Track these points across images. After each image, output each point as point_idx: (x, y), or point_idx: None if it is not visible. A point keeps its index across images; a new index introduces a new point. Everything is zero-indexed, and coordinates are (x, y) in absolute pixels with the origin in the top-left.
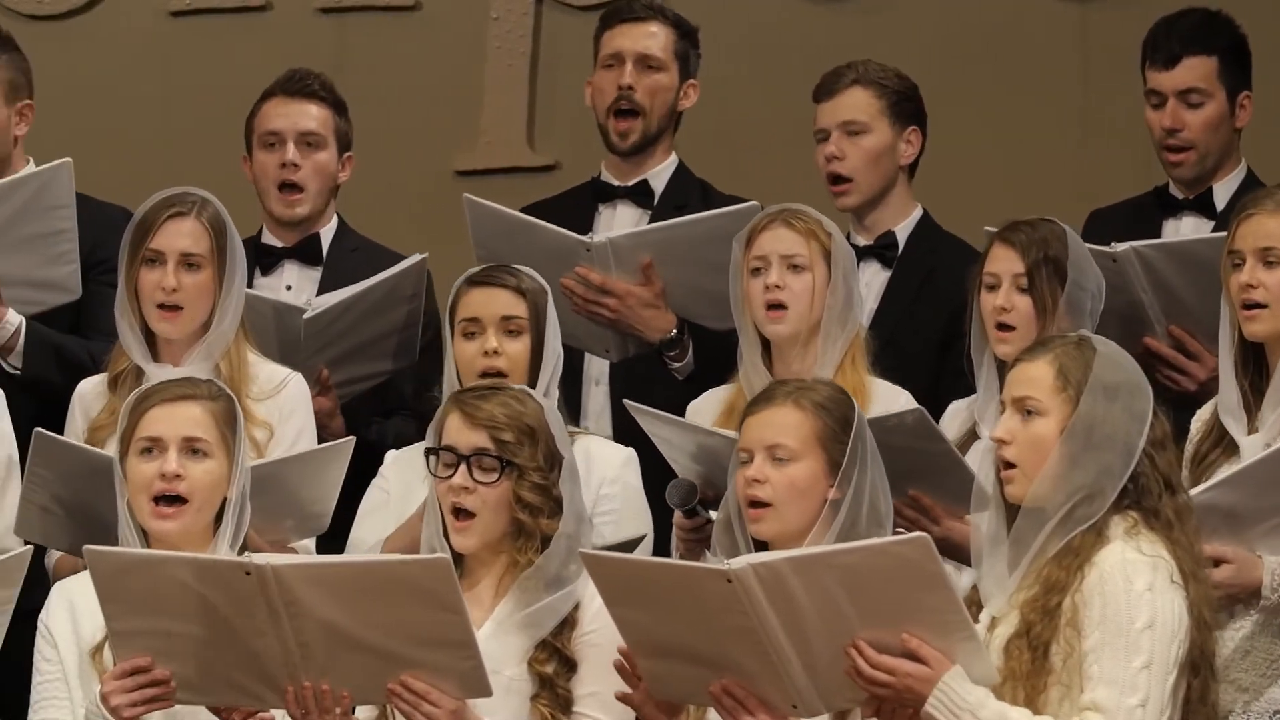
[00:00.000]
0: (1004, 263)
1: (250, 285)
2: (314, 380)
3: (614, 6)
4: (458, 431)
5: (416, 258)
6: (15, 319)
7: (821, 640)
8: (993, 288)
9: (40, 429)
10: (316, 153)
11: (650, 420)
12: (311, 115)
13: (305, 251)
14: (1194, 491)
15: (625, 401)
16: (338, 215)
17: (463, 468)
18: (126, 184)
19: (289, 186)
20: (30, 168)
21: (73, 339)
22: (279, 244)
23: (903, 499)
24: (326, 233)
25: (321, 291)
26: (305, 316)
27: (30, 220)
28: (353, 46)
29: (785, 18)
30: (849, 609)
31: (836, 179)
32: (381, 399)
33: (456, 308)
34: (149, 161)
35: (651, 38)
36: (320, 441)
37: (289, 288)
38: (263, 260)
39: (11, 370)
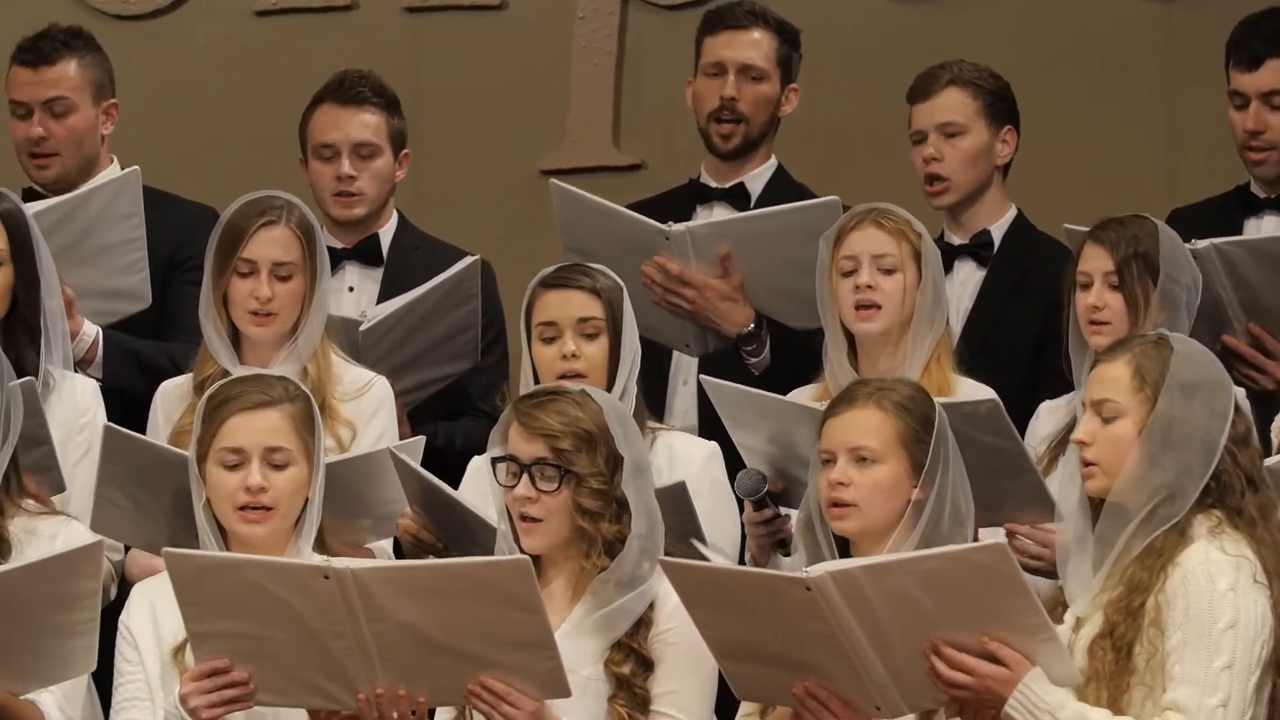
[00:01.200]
0: (1095, 261)
1: None
2: None
3: (716, 11)
4: (518, 441)
5: (469, 260)
6: (92, 330)
7: (902, 643)
8: (1086, 286)
9: (109, 424)
10: (372, 161)
11: (726, 396)
12: (365, 124)
13: (366, 252)
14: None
15: (701, 376)
16: (397, 213)
17: (525, 478)
18: (212, 183)
19: (346, 194)
20: (114, 169)
21: (151, 344)
22: (339, 245)
23: None
24: (386, 232)
25: (383, 291)
26: (361, 329)
27: (102, 231)
28: (438, 46)
29: (877, 18)
30: (929, 613)
31: (933, 179)
32: (446, 400)
33: (532, 311)
34: (233, 161)
35: (754, 47)
36: None
37: (351, 289)
38: None
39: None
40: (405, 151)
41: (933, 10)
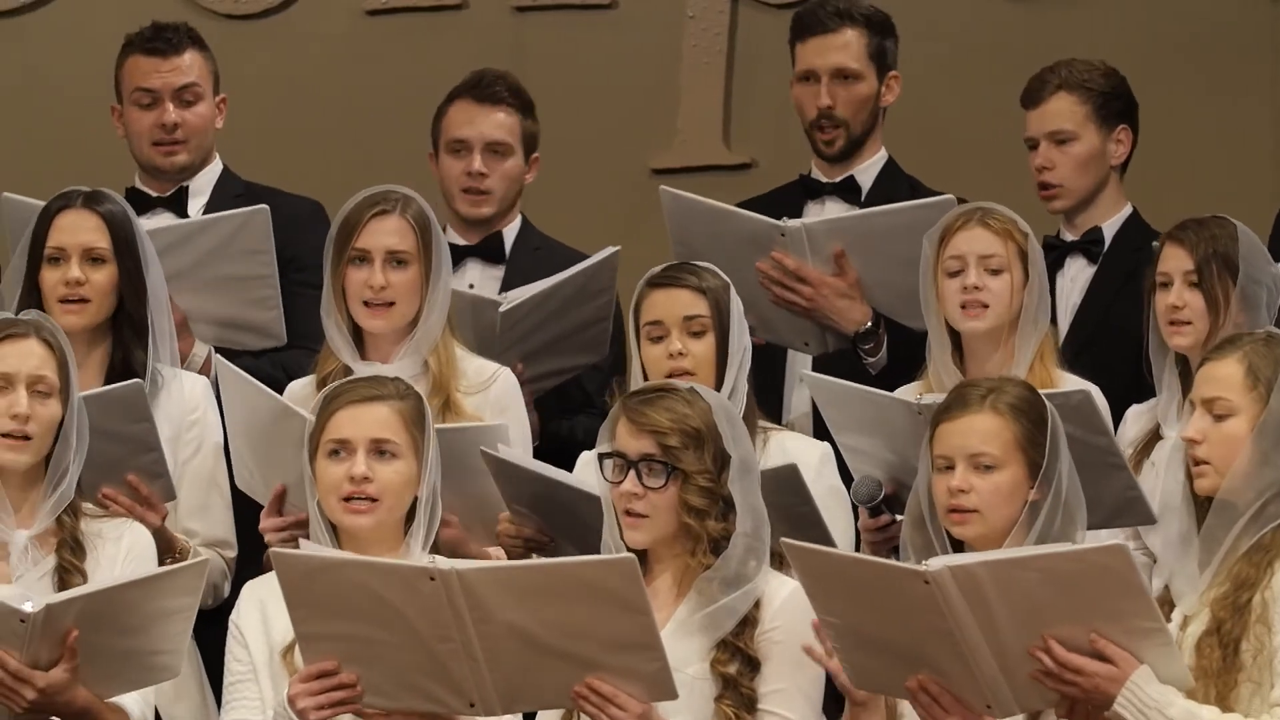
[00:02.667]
0: (1174, 261)
1: None
2: None
3: (803, 16)
4: (625, 437)
5: (609, 251)
6: (203, 349)
7: (1016, 642)
8: (1165, 285)
9: (220, 358)
10: (503, 161)
11: (827, 392)
12: (499, 124)
13: (488, 250)
14: None
15: (803, 374)
16: (522, 214)
17: (631, 474)
18: (322, 182)
19: (475, 191)
20: (217, 165)
21: (264, 359)
22: (462, 242)
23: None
24: (509, 232)
25: (502, 290)
26: (501, 310)
27: (226, 262)
28: (547, 45)
29: (985, 14)
30: (1044, 612)
31: (1046, 186)
32: (563, 395)
33: (640, 310)
34: (344, 159)
35: (844, 49)
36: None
37: (471, 286)
38: None
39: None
40: (535, 155)
41: (1043, 7)
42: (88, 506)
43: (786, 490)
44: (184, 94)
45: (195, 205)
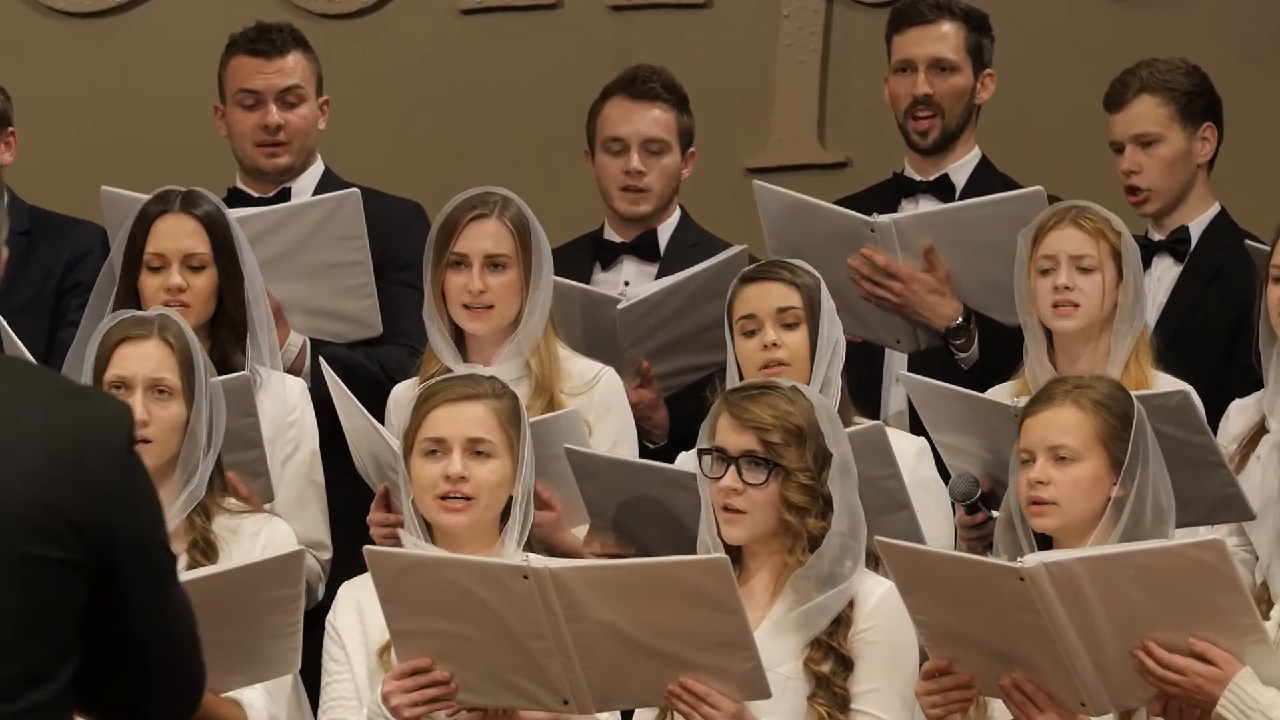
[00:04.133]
0: None
1: (589, 280)
2: (634, 372)
3: (902, 8)
4: (727, 433)
5: (736, 249)
6: (298, 340)
7: (1111, 639)
8: (1278, 280)
9: (328, 367)
10: (660, 158)
11: (924, 392)
12: (655, 120)
13: (644, 247)
14: None
15: (899, 373)
16: (680, 209)
17: (732, 469)
18: (417, 181)
19: (633, 189)
20: (319, 166)
21: (361, 352)
22: (619, 239)
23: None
24: (666, 228)
25: None
26: (619, 307)
27: (318, 248)
28: (642, 44)
29: (1079, 14)
30: (1140, 609)
31: (1134, 190)
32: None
33: (733, 306)
34: (439, 159)
35: (942, 40)
36: (640, 435)
37: (626, 283)
38: (602, 256)
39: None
40: (692, 150)
41: (1135, 6)
42: (230, 502)
43: (872, 457)
44: (287, 95)
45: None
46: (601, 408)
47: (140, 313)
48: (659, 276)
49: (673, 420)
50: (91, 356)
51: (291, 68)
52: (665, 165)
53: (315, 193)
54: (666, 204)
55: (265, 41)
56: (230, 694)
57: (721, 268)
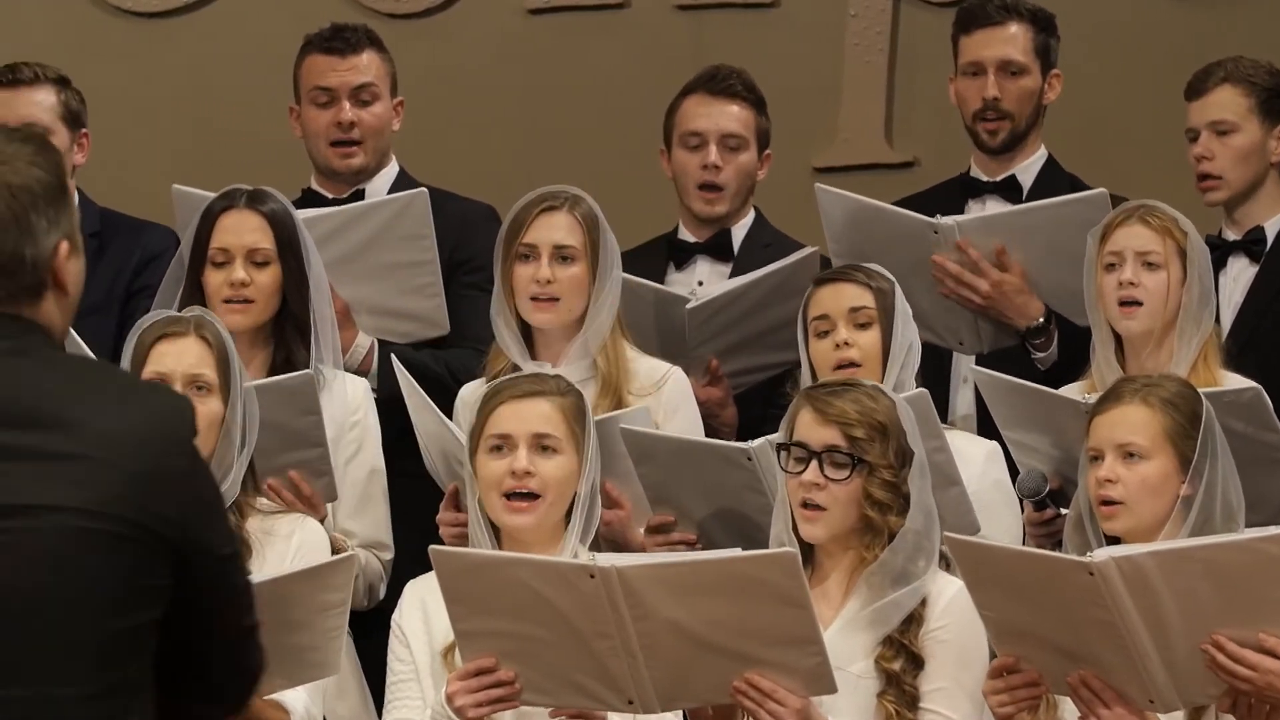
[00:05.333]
0: None
1: (663, 280)
2: (703, 370)
3: (969, 9)
4: (809, 427)
5: (807, 250)
6: (366, 341)
7: (1180, 635)
8: None
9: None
10: (738, 154)
11: (996, 389)
12: (734, 116)
13: (717, 247)
14: None
15: (971, 368)
16: (755, 210)
17: (813, 464)
18: (486, 181)
19: (709, 186)
20: (394, 167)
21: (428, 353)
22: (693, 239)
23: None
24: (740, 228)
25: None
26: (689, 307)
27: (386, 248)
28: (710, 44)
29: (1145, 14)
30: (1209, 604)
31: (1204, 176)
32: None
33: (808, 307)
34: (508, 158)
35: (1011, 42)
36: (708, 433)
37: (700, 283)
38: (676, 256)
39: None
40: (768, 152)
41: (1204, 6)
42: (262, 502)
43: (920, 427)
44: (361, 94)
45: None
46: (669, 407)
47: (176, 313)
48: (732, 276)
49: (741, 419)
50: (129, 356)
51: (365, 66)
52: (742, 163)
53: (389, 193)
54: (742, 204)
55: (340, 40)
56: (272, 696)
57: (793, 269)
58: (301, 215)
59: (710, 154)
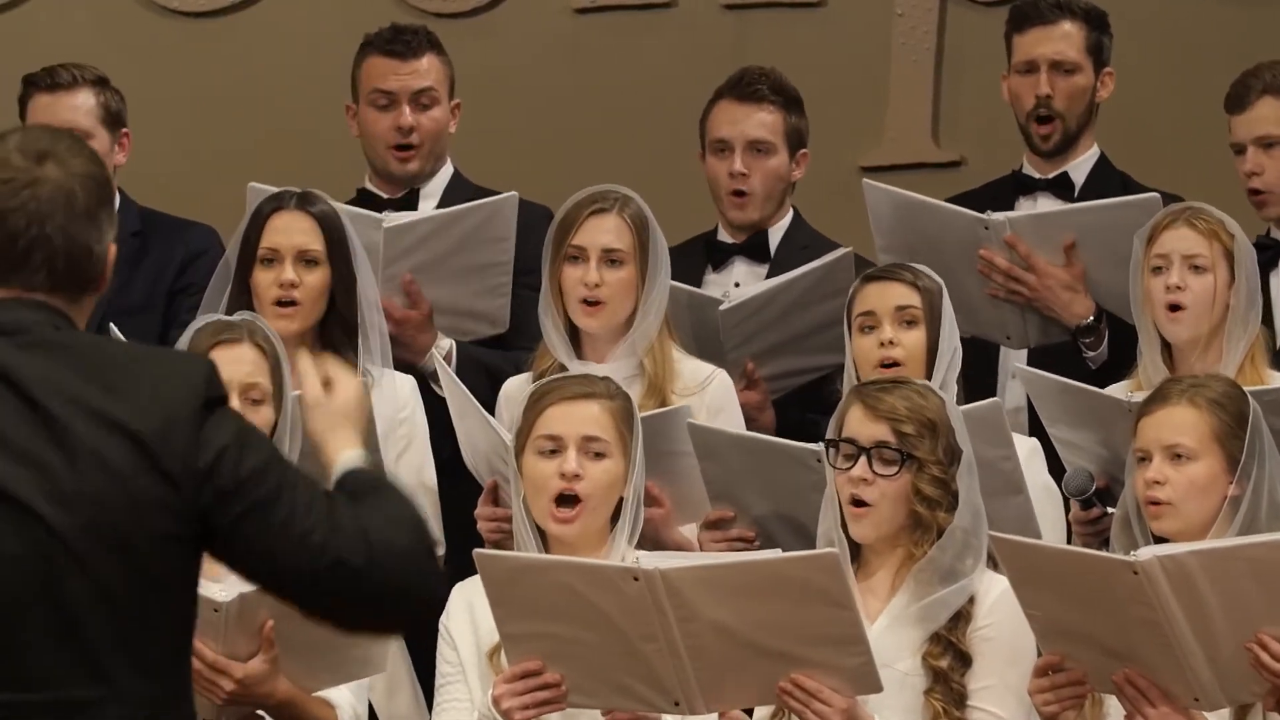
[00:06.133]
0: None
1: (700, 282)
2: (740, 373)
3: (1022, 7)
4: (859, 423)
5: (841, 251)
6: (446, 343)
7: (1225, 633)
8: None
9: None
10: (766, 160)
11: (1042, 387)
12: (760, 123)
13: (754, 248)
14: None
15: (1016, 366)
16: (794, 210)
17: (862, 460)
18: (531, 180)
19: (738, 193)
20: (449, 169)
21: (499, 354)
22: (730, 240)
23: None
24: (777, 230)
25: None
26: (721, 309)
27: (471, 251)
28: (756, 43)
29: (1198, 12)
30: (1254, 602)
31: (1255, 191)
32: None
33: (853, 304)
34: (553, 158)
35: (1064, 39)
36: None
37: (736, 284)
38: (714, 257)
39: (442, 394)
40: (804, 151)
41: (1258, 5)
42: None
43: (989, 436)
44: (421, 97)
45: (425, 208)
46: (713, 408)
47: (226, 318)
48: (769, 277)
49: (778, 423)
50: None
51: (426, 70)
52: (771, 167)
53: (444, 195)
54: (776, 207)
55: (400, 43)
56: (318, 693)
57: (827, 270)
58: (394, 221)
59: (736, 162)
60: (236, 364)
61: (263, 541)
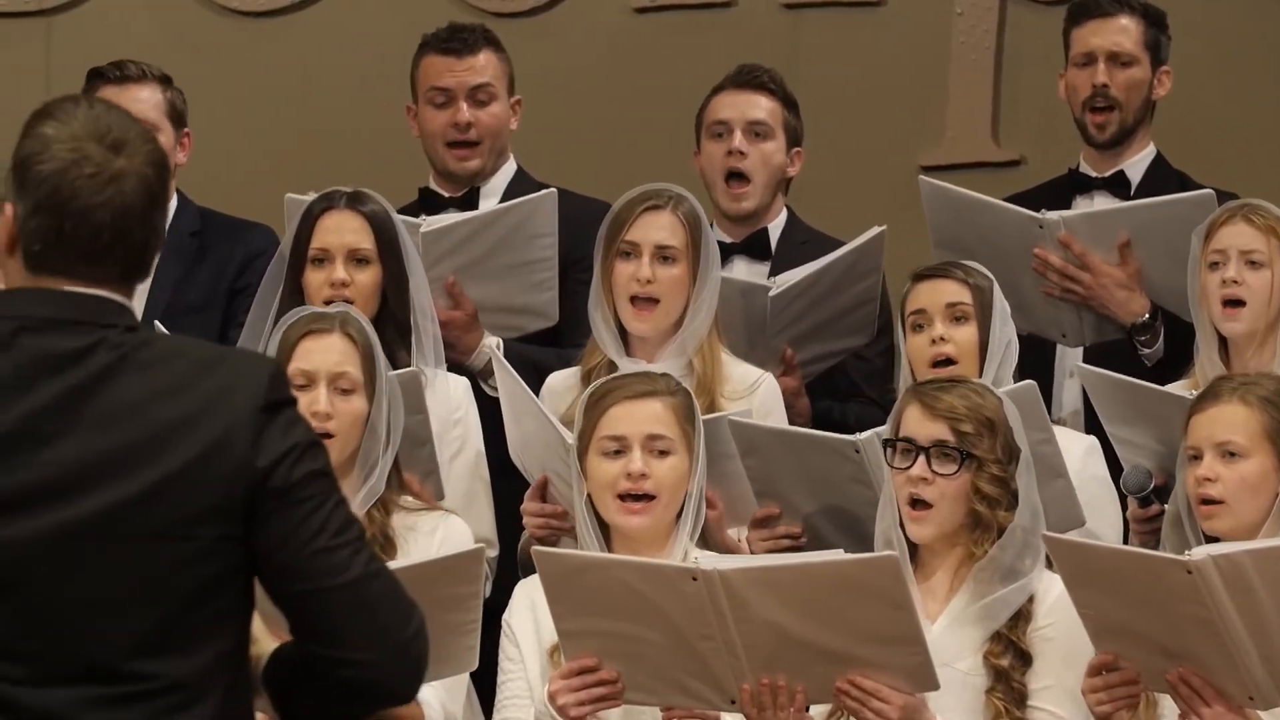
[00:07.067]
0: None
1: None
2: (779, 360)
3: (1081, 2)
4: (917, 423)
5: (875, 231)
6: (493, 340)
7: (1279, 632)
8: None
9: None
10: (764, 142)
11: (1100, 385)
12: (760, 106)
13: (754, 246)
14: None
15: (1075, 365)
16: (787, 208)
17: (921, 459)
18: (590, 179)
19: (736, 177)
20: (511, 166)
21: (550, 352)
22: (728, 239)
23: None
24: (775, 227)
25: None
26: (771, 294)
27: (513, 249)
28: (815, 42)
29: (1256, 10)
30: None
31: None
32: (830, 384)
33: (905, 302)
34: (613, 156)
35: (1123, 33)
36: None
37: None
38: None
39: (492, 393)
40: (798, 149)
41: None
42: (407, 500)
43: (1026, 418)
44: (477, 94)
45: (487, 206)
46: (762, 411)
47: (321, 309)
48: (771, 275)
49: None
50: (273, 353)
51: (482, 66)
52: (768, 151)
53: (506, 192)
54: (771, 198)
55: (457, 40)
56: None
57: (862, 251)
58: (431, 226)
59: (735, 139)
60: (325, 354)
61: (292, 537)
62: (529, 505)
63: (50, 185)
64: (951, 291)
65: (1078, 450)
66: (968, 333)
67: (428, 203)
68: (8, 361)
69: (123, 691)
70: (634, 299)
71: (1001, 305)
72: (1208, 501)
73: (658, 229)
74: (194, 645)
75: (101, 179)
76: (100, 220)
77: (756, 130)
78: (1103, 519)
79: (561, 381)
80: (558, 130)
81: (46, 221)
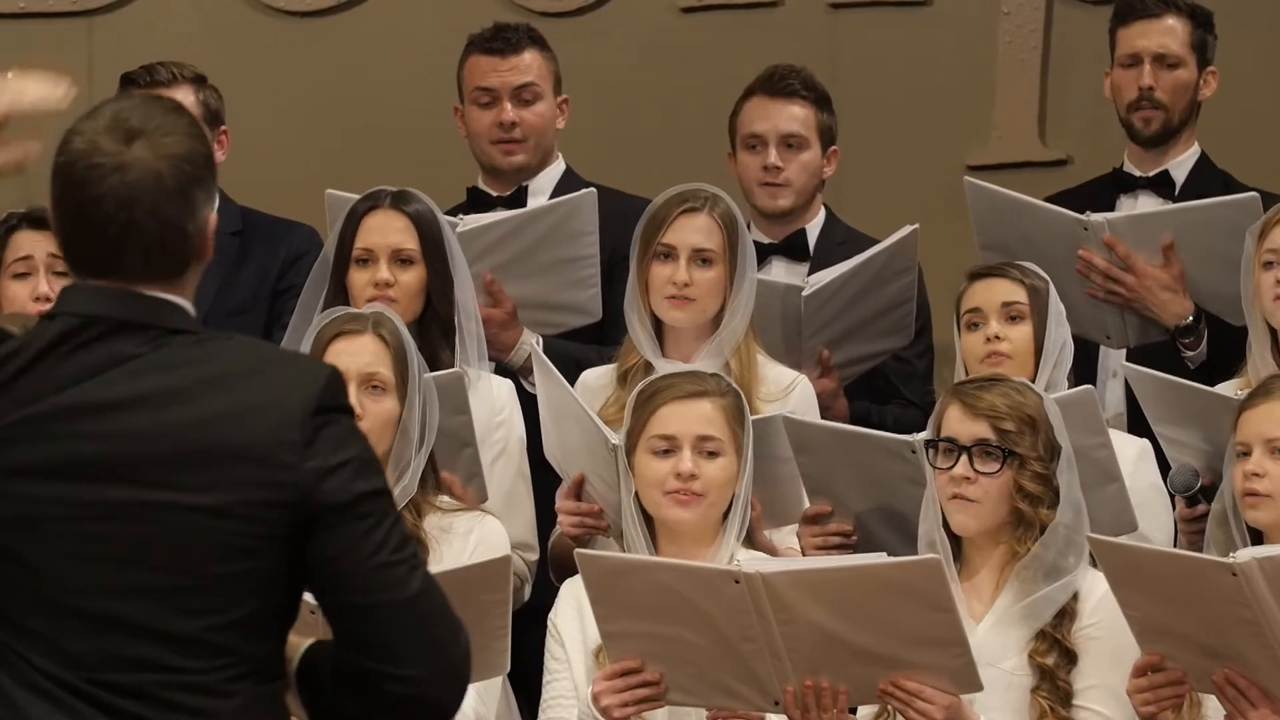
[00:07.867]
0: None
1: None
2: (814, 361)
3: (1128, 1)
4: (958, 422)
5: (908, 229)
6: (530, 338)
7: None
8: None
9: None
10: (800, 153)
11: (1148, 384)
12: (793, 117)
13: (792, 247)
14: None
15: (1122, 364)
16: (825, 208)
17: (963, 458)
18: (636, 178)
19: (771, 185)
20: (560, 165)
21: (591, 350)
22: (765, 240)
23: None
24: (813, 227)
25: None
26: (804, 294)
27: (553, 246)
28: (862, 42)
29: None
30: None
31: None
32: (869, 386)
33: (961, 302)
34: (659, 156)
35: (1169, 33)
36: None
37: None
38: None
39: (531, 390)
40: (834, 148)
41: None
42: (443, 500)
43: (1082, 423)
44: (522, 93)
45: (535, 205)
46: (796, 414)
47: (355, 310)
48: (810, 275)
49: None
50: (306, 352)
51: (527, 65)
52: (805, 161)
53: (554, 191)
54: (809, 201)
55: (501, 40)
56: None
57: (896, 249)
58: (472, 223)
59: (770, 155)
60: (356, 355)
61: (352, 551)
62: (563, 504)
63: (62, 177)
64: (1007, 291)
65: (1130, 454)
66: (1023, 332)
67: (476, 202)
68: (61, 356)
69: (155, 679)
70: (670, 299)
71: (1057, 307)
72: (1253, 494)
73: (694, 231)
74: (231, 640)
75: (105, 169)
76: (103, 212)
77: (790, 142)
78: (1153, 522)
79: (596, 379)
80: (603, 129)
81: (61, 213)
